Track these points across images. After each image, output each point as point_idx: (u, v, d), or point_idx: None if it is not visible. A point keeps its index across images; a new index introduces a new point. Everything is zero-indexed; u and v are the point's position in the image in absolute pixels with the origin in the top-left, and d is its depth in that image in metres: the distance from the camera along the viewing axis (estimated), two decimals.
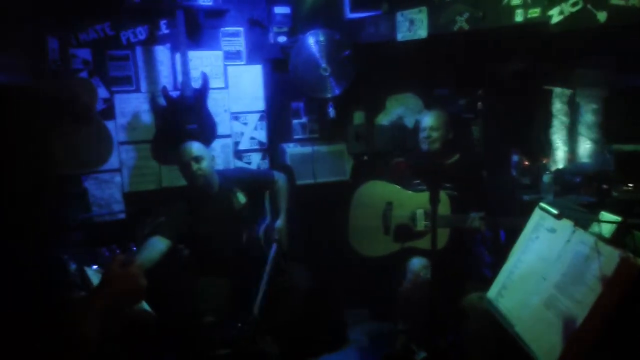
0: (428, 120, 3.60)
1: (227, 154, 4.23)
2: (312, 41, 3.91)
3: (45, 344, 1.36)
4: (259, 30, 4.20)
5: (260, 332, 3.61)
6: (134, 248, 3.52)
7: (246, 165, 4.27)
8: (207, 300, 3.27)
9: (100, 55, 3.77)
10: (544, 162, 3.71)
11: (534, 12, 2.63)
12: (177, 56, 3.84)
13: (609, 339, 1.69)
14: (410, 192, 3.61)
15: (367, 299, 4.29)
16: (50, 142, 1.48)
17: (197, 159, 3.38)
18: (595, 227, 2.06)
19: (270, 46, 4.22)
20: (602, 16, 2.33)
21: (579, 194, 3.15)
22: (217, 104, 4.11)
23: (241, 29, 4.15)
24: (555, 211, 2.15)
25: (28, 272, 1.40)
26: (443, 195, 3.41)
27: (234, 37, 4.14)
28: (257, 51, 4.21)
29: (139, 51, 3.88)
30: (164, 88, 3.78)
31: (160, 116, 3.92)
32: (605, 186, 2.94)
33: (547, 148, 3.73)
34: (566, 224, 2.09)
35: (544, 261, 2.10)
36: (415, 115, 4.24)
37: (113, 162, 3.85)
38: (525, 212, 2.45)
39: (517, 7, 2.70)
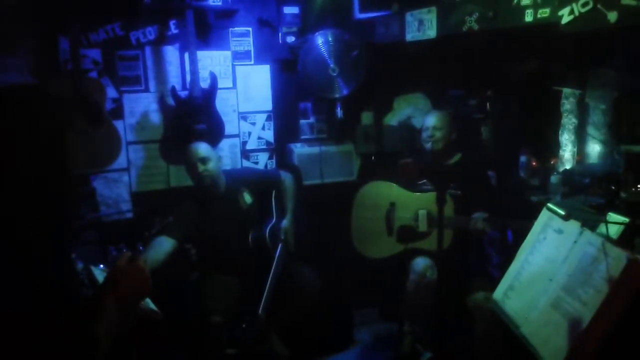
0: (431, 119, 3.59)
1: (235, 154, 4.23)
2: (321, 41, 3.91)
3: (57, 345, 1.37)
4: (268, 30, 4.20)
5: (267, 332, 3.62)
6: (141, 248, 3.53)
7: (253, 165, 4.27)
8: (214, 300, 3.28)
9: (110, 56, 3.80)
10: (552, 162, 3.69)
11: (544, 13, 2.61)
12: (186, 56, 3.85)
13: (615, 341, 1.68)
14: (412, 192, 3.60)
15: (375, 299, 4.29)
16: (64, 142, 1.49)
17: (204, 160, 3.39)
18: (603, 229, 2.05)
19: (279, 46, 4.22)
20: (612, 16, 2.31)
21: (588, 195, 3.13)
22: (226, 104, 4.12)
23: (250, 29, 4.16)
24: (562, 212, 2.14)
25: (42, 273, 1.41)
26: (447, 197, 3.41)
27: (243, 37, 4.15)
28: (266, 51, 4.22)
29: (148, 51, 3.89)
30: (173, 88, 3.80)
31: (168, 116, 3.94)
32: (613, 187, 2.92)
33: (555, 149, 3.71)
34: (574, 225, 2.07)
35: (551, 262, 2.09)
36: (424, 116, 4.23)
37: (121, 161, 3.87)
38: (533, 213, 2.44)
39: (527, 7, 2.68)
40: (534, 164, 3.69)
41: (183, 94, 3.85)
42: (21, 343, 1.32)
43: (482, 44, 3.50)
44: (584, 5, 2.40)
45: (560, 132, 3.70)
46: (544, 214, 2.29)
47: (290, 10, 4.16)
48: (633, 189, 2.77)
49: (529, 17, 2.68)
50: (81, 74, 3.55)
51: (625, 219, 2.16)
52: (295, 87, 4.24)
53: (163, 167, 4.03)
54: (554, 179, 3.45)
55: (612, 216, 2.26)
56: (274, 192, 3.78)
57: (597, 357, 1.68)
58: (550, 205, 2.27)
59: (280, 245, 3.56)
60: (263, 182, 3.75)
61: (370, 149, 4.36)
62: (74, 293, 1.54)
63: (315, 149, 4.27)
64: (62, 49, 3.61)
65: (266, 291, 3.30)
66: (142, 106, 3.93)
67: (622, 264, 1.72)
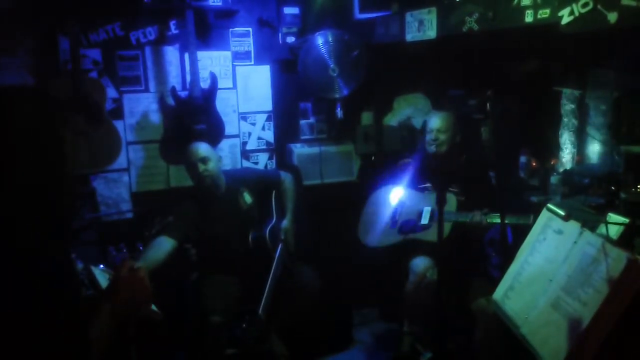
0: (436, 122, 3.53)
1: (235, 154, 4.23)
2: (321, 41, 3.91)
3: (54, 345, 1.37)
4: (268, 30, 4.20)
5: (267, 332, 3.62)
6: (141, 248, 3.53)
7: (253, 166, 4.27)
8: (214, 300, 3.28)
9: (110, 56, 3.80)
10: (552, 163, 3.70)
11: (544, 13, 2.61)
12: (186, 56, 3.85)
13: (615, 341, 1.68)
14: (422, 193, 3.61)
15: (375, 299, 4.29)
16: (63, 142, 1.49)
17: (204, 160, 3.39)
18: (603, 229, 2.05)
19: (279, 47, 4.22)
20: (612, 17, 2.31)
21: (587, 196, 3.13)
22: (226, 104, 4.12)
23: (250, 29, 4.16)
24: (562, 212, 2.14)
25: (41, 273, 1.41)
26: (452, 197, 3.41)
27: (243, 37, 4.15)
28: (266, 52, 4.22)
29: (148, 51, 3.89)
30: (173, 88, 3.80)
31: (168, 116, 3.94)
32: (613, 188, 2.93)
33: (555, 149, 3.71)
34: (574, 226, 2.07)
35: (551, 263, 2.09)
36: (423, 116, 4.23)
37: (121, 161, 3.87)
38: (533, 213, 2.44)
39: (527, 7, 2.68)
40: (533, 164, 3.70)
41: (183, 94, 3.85)
42: (19, 343, 1.32)
43: (482, 44, 3.50)
44: (584, 5, 2.40)
45: (560, 132, 3.70)
46: (544, 215, 2.30)
47: (290, 10, 4.16)
48: (633, 190, 2.77)
49: (529, 18, 2.67)
50: (81, 74, 3.55)
51: (625, 220, 2.17)
52: (295, 88, 4.24)
53: (163, 167, 4.03)
54: (553, 179, 3.45)
55: (612, 217, 2.26)
56: (274, 192, 3.78)
57: (597, 358, 1.68)
58: (550, 205, 2.27)
59: (280, 245, 3.56)
60: (263, 182, 3.75)
61: (370, 149, 4.36)
62: (74, 293, 1.54)
63: (315, 149, 4.27)
64: (62, 49, 3.61)
65: (266, 291, 3.30)
66: (142, 106, 3.93)
67: (622, 264, 1.73)
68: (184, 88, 3.96)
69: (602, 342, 1.68)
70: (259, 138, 4.30)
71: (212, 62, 4.06)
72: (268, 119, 4.30)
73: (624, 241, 2.00)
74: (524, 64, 3.82)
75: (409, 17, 3.52)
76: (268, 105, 4.29)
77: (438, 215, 2.44)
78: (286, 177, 3.84)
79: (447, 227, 3.38)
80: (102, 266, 2.45)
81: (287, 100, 4.34)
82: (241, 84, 4.18)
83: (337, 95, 4.00)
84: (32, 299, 1.35)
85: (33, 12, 3.54)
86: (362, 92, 4.09)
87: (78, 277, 1.79)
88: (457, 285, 3.21)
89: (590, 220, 2.11)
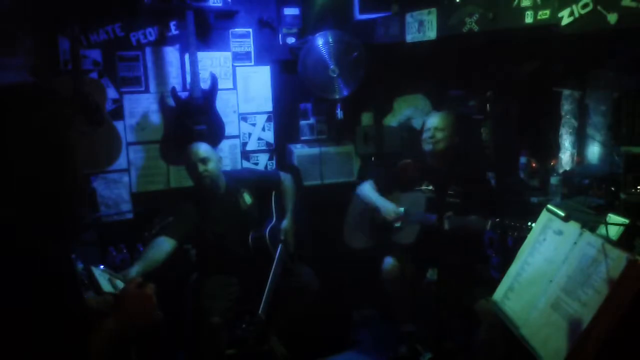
0: (433, 120, 3.51)
1: (235, 155, 4.24)
2: (321, 42, 3.91)
3: (52, 349, 1.36)
4: (268, 31, 4.21)
5: (267, 333, 3.62)
6: (141, 248, 3.53)
7: (253, 166, 4.27)
8: (214, 301, 3.28)
9: (110, 56, 3.80)
10: (552, 163, 3.70)
11: (544, 14, 2.61)
12: (187, 57, 3.85)
13: (615, 342, 1.68)
14: (401, 193, 3.61)
15: (375, 299, 4.29)
16: (67, 140, 1.48)
17: (204, 161, 3.39)
18: (602, 230, 2.05)
19: (279, 47, 4.23)
20: (612, 18, 2.32)
21: (587, 196, 3.14)
22: (226, 105, 4.12)
23: (250, 30, 4.16)
24: (562, 213, 2.14)
25: (41, 273, 1.40)
26: (421, 197, 3.47)
27: (243, 38, 4.15)
28: (266, 52, 4.22)
29: (148, 52, 3.90)
30: (173, 89, 3.80)
31: (169, 117, 3.94)
32: (613, 188, 2.93)
33: (555, 150, 3.71)
34: (574, 226, 2.07)
35: (551, 263, 2.09)
36: (424, 117, 4.23)
37: (121, 162, 3.87)
38: (532, 214, 2.44)
39: (527, 8, 2.69)
40: (533, 165, 3.70)
41: (183, 94, 3.86)
42: (18, 343, 1.32)
43: (482, 45, 3.50)
44: (584, 6, 2.41)
45: (560, 133, 3.70)
46: (544, 215, 2.30)
47: (290, 11, 4.17)
48: (633, 190, 2.78)
49: (529, 19, 2.68)
50: (81, 74, 3.55)
51: (625, 220, 2.17)
52: (295, 88, 4.24)
53: (163, 168, 4.03)
54: (553, 180, 3.45)
55: (612, 217, 2.27)
56: (273, 192, 3.78)
57: (597, 358, 1.68)
58: (550, 206, 2.27)
59: (280, 245, 3.56)
60: (263, 183, 3.75)
61: (370, 149, 4.36)
62: (74, 294, 1.53)
63: (315, 150, 4.27)
64: (62, 49, 3.62)
65: (266, 292, 3.30)
66: (143, 107, 3.93)
67: (622, 265, 1.72)
68: (184, 89, 3.96)
69: (602, 343, 1.68)
70: (259, 139, 4.30)
71: (213, 62, 4.07)
72: (268, 120, 4.30)
73: (624, 242, 2.00)
74: (524, 65, 3.82)
75: (409, 17, 3.52)
76: (268, 106, 4.29)
77: (439, 218, 2.45)
78: (286, 178, 3.84)
79: (414, 231, 3.42)
80: (102, 266, 2.44)
81: (287, 101, 4.34)
82: (241, 85, 4.18)
83: (337, 96, 4.01)
84: (30, 299, 1.35)
85: (33, 12, 3.54)
86: (362, 92, 4.09)
87: (78, 277, 1.77)
88: (456, 286, 3.21)
89: (590, 221, 2.11)
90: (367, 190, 3.68)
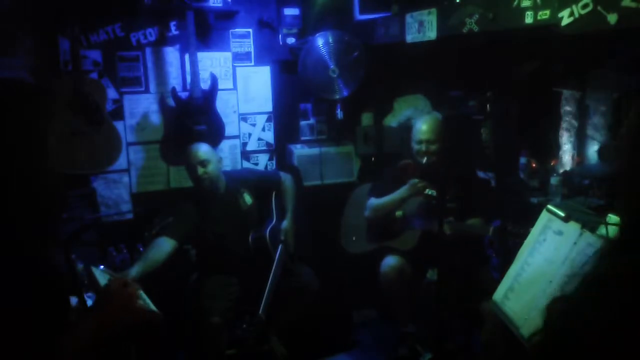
0: (424, 132, 3.49)
1: (235, 155, 4.24)
2: (321, 42, 3.91)
3: (30, 344, 1.35)
4: (268, 31, 4.21)
5: (267, 333, 3.62)
6: (141, 248, 3.53)
7: (253, 166, 4.27)
8: (214, 301, 3.28)
9: (111, 56, 3.80)
10: (552, 164, 3.70)
11: (544, 14, 2.61)
12: (187, 57, 3.85)
13: (615, 342, 1.68)
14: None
15: (375, 299, 4.29)
16: (44, 138, 1.45)
17: (204, 163, 3.39)
18: (602, 230, 2.05)
19: (279, 47, 4.22)
20: (612, 18, 2.31)
21: (587, 197, 3.13)
22: (226, 105, 4.12)
23: (250, 30, 4.16)
24: (562, 213, 2.14)
25: (24, 270, 1.39)
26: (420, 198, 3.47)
27: (244, 38, 4.15)
28: (266, 52, 4.22)
29: (148, 52, 3.90)
30: (173, 89, 3.80)
31: (169, 117, 3.94)
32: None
33: (555, 150, 3.71)
34: (574, 227, 2.07)
35: (551, 263, 2.09)
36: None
37: (122, 162, 3.87)
38: (533, 215, 2.44)
39: (527, 8, 2.68)
40: (533, 165, 3.70)
41: (183, 95, 3.86)
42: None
43: (482, 45, 3.50)
44: (584, 7, 2.40)
45: (560, 133, 3.71)
46: (544, 216, 2.30)
47: (290, 11, 4.16)
48: None
49: (529, 19, 2.68)
50: (81, 74, 3.56)
51: None
52: (295, 88, 4.24)
53: (163, 168, 4.03)
54: (553, 180, 3.45)
55: (612, 218, 2.26)
56: (274, 193, 3.78)
57: (597, 358, 1.68)
58: (550, 206, 2.27)
59: (280, 246, 3.56)
60: (263, 183, 3.76)
61: (370, 150, 4.36)
62: (58, 291, 1.50)
63: (315, 150, 4.27)
64: (62, 49, 3.62)
65: (266, 292, 3.31)
66: (143, 107, 3.93)
67: None
68: (184, 89, 3.96)
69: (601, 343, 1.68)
70: (259, 139, 4.30)
71: (213, 63, 4.07)
72: (268, 120, 4.30)
73: None
74: (524, 65, 3.82)
75: (409, 18, 3.52)
76: (268, 106, 4.29)
77: (437, 219, 2.45)
78: (286, 178, 3.84)
79: (414, 237, 3.45)
80: (102, 266, 2.45)
81: (287, 101, 4.34)
82: (241, 85, 4.18)
83: (337, 96, 4.01)
84: (13, 296, 1.33)
85: (33, 13, 3.54)
86: (362, 93, 4.09)
87: (61, 275, 1.73)
88: (457, 286, 3.21)
89: (590, 221, 2.11)
90: (377, 200, 3.63)
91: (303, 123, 4.40)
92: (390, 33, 3.73)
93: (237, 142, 4.23)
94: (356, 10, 4.04)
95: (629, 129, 1.15)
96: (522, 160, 3.73)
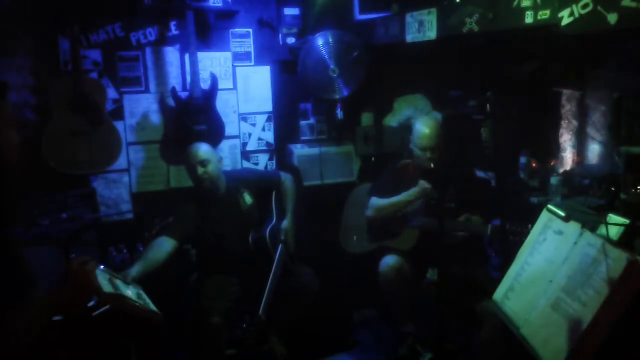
0: (424, 138, 3.47)
1: (235, 155, 4.24)
2: (321, 42, 3.91)
3: None
4: (268, 31, 4.21)
5: (267, 333, 3.62)
6: (141, 248, 3.53)
7: (253, 166, 4.27)
8: (214, 301, 3.27)
9: (110, 56, 3.80)
10: (552, 164, 3.70)
11: (544, 14, 2.61)
12: (187, 57, 3.85)
13: (615, 342, 1.68)
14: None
15: (375, 299, 4.29)
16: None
17: (203, 163, 3.38)
18: (603, 230, 2.05)
19: (279, 47, 4.23)
20: (612, 18, 2.31)
21: (587, 196, 3.13)
22: (226, 105, 4.12)
23: (250, 30, 4.16)
24: (563, 213, 2.14)
25: None
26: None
27: (243, 38, 4.15)
28: (266, 52, 4.22)
29: (148, 52, 3.90)
30: (173, 89, 3.80)
31: (169, 117, 3.94)
32: (613, 189, 2.92)
33: (555, 150, 3.71)
34: (574, 226, 2.07)
35: (551, 263, 2.09)
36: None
37: (122, 162, 3.87)
38: (532, 214, 2.44)
39: (527, 8, 2.68)
40: (533, 165, 3.70)
41: (183, 94, 3.86)
42: None
43: (482, 45, 3.50)
44: (584, 6, 2.40)
45: (560, 133, 3.71)
46: (544, 215, 2.30)
47: (290, 11, 4.17)
48: (633, 190, 2.77)
49: (529, 19, 2.68)
50: (81, 74, 3.56)
51: (625, 220, 2.17)
52: (295, 88, 4.24)
53: (163, 168, 4.03)
54: (553, 180, 3.45)
55: (612, 217, 2.26)
56: (274, 193, 3.78)
57: (597, 358, 1.68)
58: (550, 206, 2.27)
59: (280, 245, 3.56)
60: (263, 183, 3.75)
61: (370, 149, 4.35)
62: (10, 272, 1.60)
63: (315, 150, 4.27)
64: (62, 49, 3.62)
65: (266, 292, 3.30)
66: (143, 107, 3.93)
67: (622, 265, 1.73)
68: (184, 89, 3.96)
69: (602, 343, 1.69)
70: (259, 139, 4.30)
71: (213, 62, 4.07)
72: (268, 120, 4.30)
73: (624, 242, 2.00)
74: (524, 65, 3.82)
75: (409, 17, 3.52)
76: (268, 106, 4.29)
77: (437, 219, 2.45)
78: (286, 178, 3.83)
79: (413, 236, 3.45)
80: (102, 266, 2.44)
81: (287, 101, 4.34)
82: (241, 85, 4.18)
83: (337, 96, 4.01)
84: None
85: (33, 12, 3.54)
86: (362, 92, 4.09)
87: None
88: (457, 286, 3.21)
89: (591, 221, 2.11)
90: (379, 200, 3.61)
91: (303, 123, 4.41)
92: (390, 33, 3.73)
93: (237, 142, 4.23)
94: (356, 10, 4.04)
95: None
96: (522, 160, 3.73)
